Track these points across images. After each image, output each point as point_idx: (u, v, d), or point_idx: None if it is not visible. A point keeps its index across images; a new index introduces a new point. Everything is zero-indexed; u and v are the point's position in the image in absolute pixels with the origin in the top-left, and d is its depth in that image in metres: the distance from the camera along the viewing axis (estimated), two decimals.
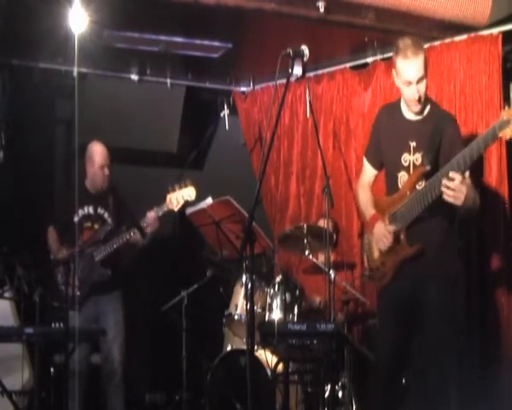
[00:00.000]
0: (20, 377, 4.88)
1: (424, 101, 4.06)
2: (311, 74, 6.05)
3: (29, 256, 4.98)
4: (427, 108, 4.11)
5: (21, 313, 4.92)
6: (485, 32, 5.05)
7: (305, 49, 3.59)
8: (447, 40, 5.23)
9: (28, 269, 4.88)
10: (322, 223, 5.39)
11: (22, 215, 5.61)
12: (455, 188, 3.71)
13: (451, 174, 3.71)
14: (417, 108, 4.05)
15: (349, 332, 5.17)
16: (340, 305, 5.15)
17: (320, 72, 6.07)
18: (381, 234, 4.08)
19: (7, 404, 4.58)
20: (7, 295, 5.11)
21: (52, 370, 4.98)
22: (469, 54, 5.10)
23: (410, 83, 3.98)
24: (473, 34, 5.09)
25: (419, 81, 3.96)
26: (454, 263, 4.15)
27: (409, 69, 3.95)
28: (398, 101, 4.19)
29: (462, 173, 3.76)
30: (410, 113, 4.12)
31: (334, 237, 5.58)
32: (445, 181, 3.73)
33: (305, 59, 3.61)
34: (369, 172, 4.36)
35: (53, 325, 4.52)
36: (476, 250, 5.01)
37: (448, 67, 5.21)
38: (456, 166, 3.75)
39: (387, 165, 4.21)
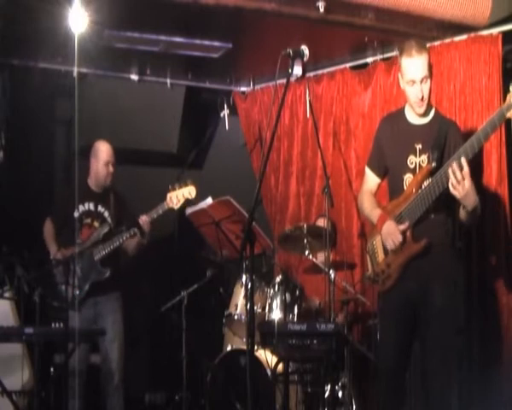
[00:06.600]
0: (20, 377, 4.88)
1: (428, 104, 4.10)
2: (311, 74, 6.05)
3: (29, 256, 4.99)
4: (432, 112, 4.16)
5: (21, 313, 4.93)
6: (485, 32, 5.04)
7: (305, 49, 3.59)
8: (447, 40, 5.23)
9: (28, 269, 4.88)
10: (321, 222, 5.40)
11: (22, 215, 5.60)
12: (459, 178, 3.75)
13: (462, 160, 3.76)
14: (421, 109, 4.07)
15: (349, 332, 5.17)
16: (339, 305, 5.15)
17: (320, 72, 6.07)
18: (391, 232, 4.06)
19: (7, 404, 4.58)
20: (7, 295, 5.12)
21: (52, 370, 4.98)
22: (469, 54, 5.10)
23: (413, 82, 4.01)
24: (473, 34, 5.09)
25: (423, 80, 4.00)
26: (456, 264, 4.17)
27: (413, 67, 4.00)
28: (402, 108, 4.24)
29: (469, 163, 3.82)
30: (414, 117, 4.16)
31: (333, 236, 5.60)
32: (454, 168, 3.76)
33: (305, 59, 3.61)
34: (371, 181, 4.37)
35: (53, 325, 4.53)
36: (476, 251, 5.01)
37: (448, 67, 5.21)
38: (464, 153, 3.80)
39: (392, 168, 4.21)
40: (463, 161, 3.78)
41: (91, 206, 5.40)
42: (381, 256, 4.19)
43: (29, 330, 4.49)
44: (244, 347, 5.13)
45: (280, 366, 4.96)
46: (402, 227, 4.04)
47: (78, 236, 5.27)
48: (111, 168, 5.42)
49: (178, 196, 5.27)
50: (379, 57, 5.65)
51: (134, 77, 6.25)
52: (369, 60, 5.74)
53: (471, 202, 3.87)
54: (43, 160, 6.28)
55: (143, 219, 5.22)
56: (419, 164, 4.06)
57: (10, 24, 4.93)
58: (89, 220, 5.38)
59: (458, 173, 3.77)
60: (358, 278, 5.48)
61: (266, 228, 6.11)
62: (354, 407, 4.95)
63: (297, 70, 3.61)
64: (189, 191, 5.29)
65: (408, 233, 4.04)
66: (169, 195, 5.27)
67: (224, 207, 5.48)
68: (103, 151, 5.42)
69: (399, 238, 4.04)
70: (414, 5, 4.85)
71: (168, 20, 5.07)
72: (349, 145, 5.83)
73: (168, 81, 6.36)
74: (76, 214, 5.33)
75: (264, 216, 6.38)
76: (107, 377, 5.31)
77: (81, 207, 5.36)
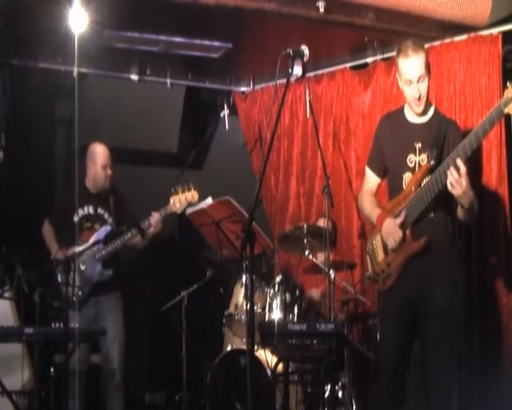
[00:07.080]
0: (20, 377, 4.89)
1: (427, 103, 4.10)
2: (311, 74, 6.05)
3: (29, 256, 4.99)
4: (431, 111, 4.16)
5: (21, 313, 4.93)
6: (485, 32, 5.04)
7: (305, 49, 3.60)
8: (447, 40, 5.23)
9: (28, 269, 4.88)
10: (321, 222, 5.40)
11: (22, 215, 5.60)
12: (456, 178, 3.76)
13: (458, 161, 3.77)
14: (419, 107, 4.07)
15: (349, 332, 5.17)
16: (339, 305, 5.15)
17: (320, 72, 6.07)
18: (391, 230, 4.06)
19: (7, 404, 4.58)
20: (7, 295, 5.12)
21: (52, 370, 4.98)
22: (469, 54, 5.10)
23: (410, 82, 4.02)
24: (473, 34, 5.09)
25: (419, 80, 4.01)
26: (456, 264, 4.18)
27: (409, 67, 4.01)
28: (401, 107, 4.25)
29: (467, 161, 3.82)
30: (414, 116, 4.16)
31: (333, 236, 5.60)
32: (451, 168, 3.78)
33: (305, 59, 3.61)
34: (371, 181, 4.36)
35: (53, 325, 4.53)
36: (476, 250, 5.01)
37: (448, 67, 5.21)
38: (462, 150, 3.80)
39: (392, 167, 4.21)
40: (460, 160, 3.78)
41: (91, 209, 5.39)
42: (380, 256, 4.19)
43: (29, 330, 4.48)
44: (244, 347, 5.13)
45: (280, 366, 4.96)
46: (399, 220, 4.04)
47: (79, 239, 5.27)
48: (109, 171, 5.41)
49: (181, 200, 5.29)
50: (379, 57, 5.65)
51: (134, 77, 6.25)
52: (369, 60, 5.75)
53: (468, 199, 3.89)
54: (43, 160, 6.28)
55: (155, 217, 5.24)
56: (418, 163, 4.07)
57: (10, 24, 4.93)
58: (89, 224, 5.37)
59: (455, 173, 3.77)
60: (358, 278, 5.48)
61: (266, 228, 6.11)
62: (354, 407, 4.94)
63: (297, 70, 3.61)
64: (192, 196, 5.32)
65: (408, 232, 4.04)
66: (172, 198, 5.29)
67: (224, 207, 5.48)
68: (100, 154, 5.41)
69: (400, 235, 4.04)
70: (414, 5, 4.85)
71: (168, 20, 5.07)
72: (349, 145, 5.83)
73: (168, 81, 6.36)
74: (76, 219, 5.33)
75: (264, 216, 6.38)
76: (107, 375, 5.32)
77: (80, 212, 5.35)
